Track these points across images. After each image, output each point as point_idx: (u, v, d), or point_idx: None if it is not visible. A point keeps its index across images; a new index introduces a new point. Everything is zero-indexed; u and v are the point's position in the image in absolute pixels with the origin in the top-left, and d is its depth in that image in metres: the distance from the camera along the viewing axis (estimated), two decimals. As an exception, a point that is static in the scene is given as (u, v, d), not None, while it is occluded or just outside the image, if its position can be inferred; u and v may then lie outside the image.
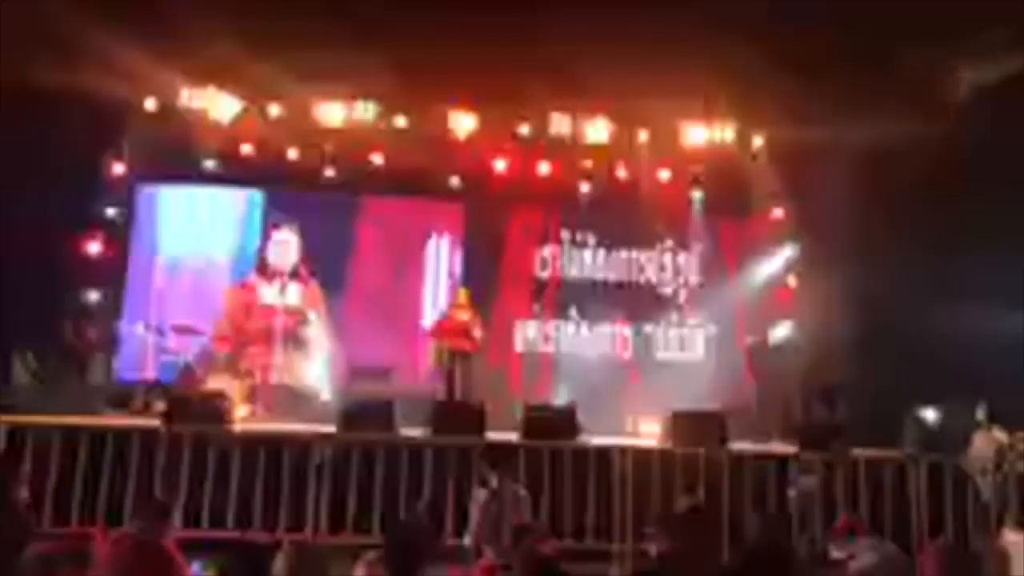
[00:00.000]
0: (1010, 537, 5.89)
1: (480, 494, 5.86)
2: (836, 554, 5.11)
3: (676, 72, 10.38)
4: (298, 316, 11.45)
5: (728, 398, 10.84)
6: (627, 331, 12.11)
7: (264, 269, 11.80)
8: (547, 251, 12.30)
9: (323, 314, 11.68)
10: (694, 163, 11.98)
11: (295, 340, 11.14)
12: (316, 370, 11.31)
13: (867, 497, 6.75)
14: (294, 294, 11.54)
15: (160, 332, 10.18)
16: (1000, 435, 8.72)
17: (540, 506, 6.32)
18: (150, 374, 10.21)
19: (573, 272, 12.29)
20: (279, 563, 3.60)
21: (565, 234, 12.34)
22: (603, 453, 7.03)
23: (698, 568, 4.00)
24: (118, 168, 11.21)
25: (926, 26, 9.59)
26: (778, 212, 11.96)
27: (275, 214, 11.97)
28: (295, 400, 10.24)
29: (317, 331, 11.58)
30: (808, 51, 9.96)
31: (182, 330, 10.24)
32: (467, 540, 5.88)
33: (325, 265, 11.85)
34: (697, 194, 12.15)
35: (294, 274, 11.67)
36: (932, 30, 9.72)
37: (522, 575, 3.48)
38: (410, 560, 3.71)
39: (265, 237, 11.92)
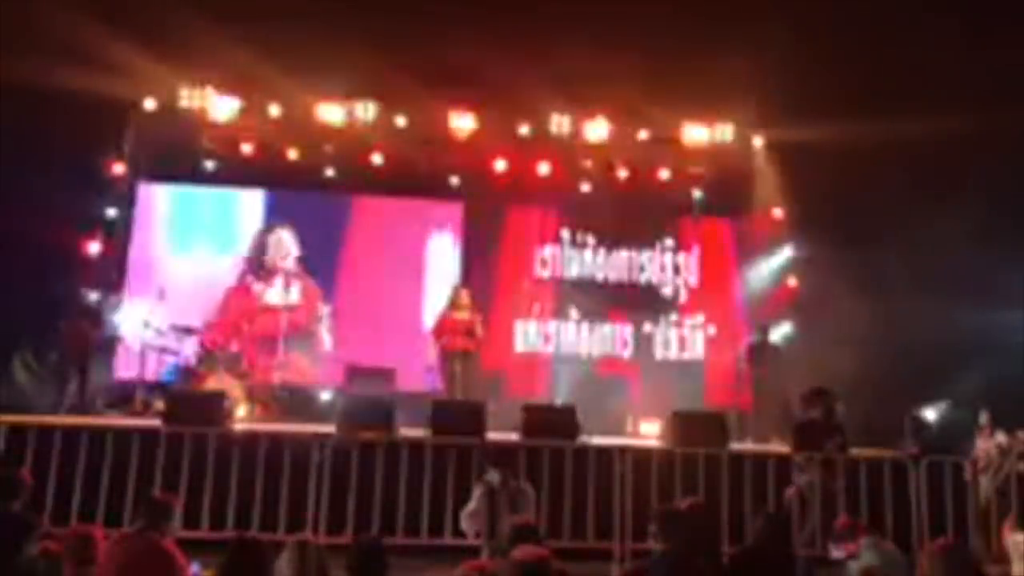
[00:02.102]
0: (1010, 537, 5.88)
1: (478, 490, 5.84)
2: (836, 554, 5.12)
3: (676, 71, 10.40)
4: (299, 315, 11.46)
5: (728, 398, 10.86)
6: (627, 331, 12.10)
7: (264, 269, 11.80)
8: (547, 251, 12.28)
9: (323, 313, 11.69)
10: (694, 163, 11.98)
11: (296, 340, 11.15)
12: (316, 369, 11.33)
13: (867, 497, 6.74)
14: (295, 293, 11.55)
15: (160, 332, 10.17)
16: (1001, 435, 8.74)
17: (540, 506, 6.31)
18: (150, 374, 10.21)
19: (573, 272, 12.28)
20: (283, 562, 3.59)
21: (565, 234, 12.32)
22: (603, 453, 7.02)
23: (697, 566, 4.00)
24: (118, 168, 11.21)
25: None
26: (778, 212, 11.96)
27: (273, 214, 11.98)
28: (295, 400, 10.24)
29: (318, 330, 11.59)
30: (809, 50, 9.98)
31: (182, 330, 10.24)
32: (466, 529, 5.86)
33: (325, 265, 11.86)
34: (697, 194, 12.16)
35: (293, 274, 11.69)
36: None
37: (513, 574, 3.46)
38: (374, 565, 3.71)
39: (263, 237, 11.93)
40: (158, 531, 4.27)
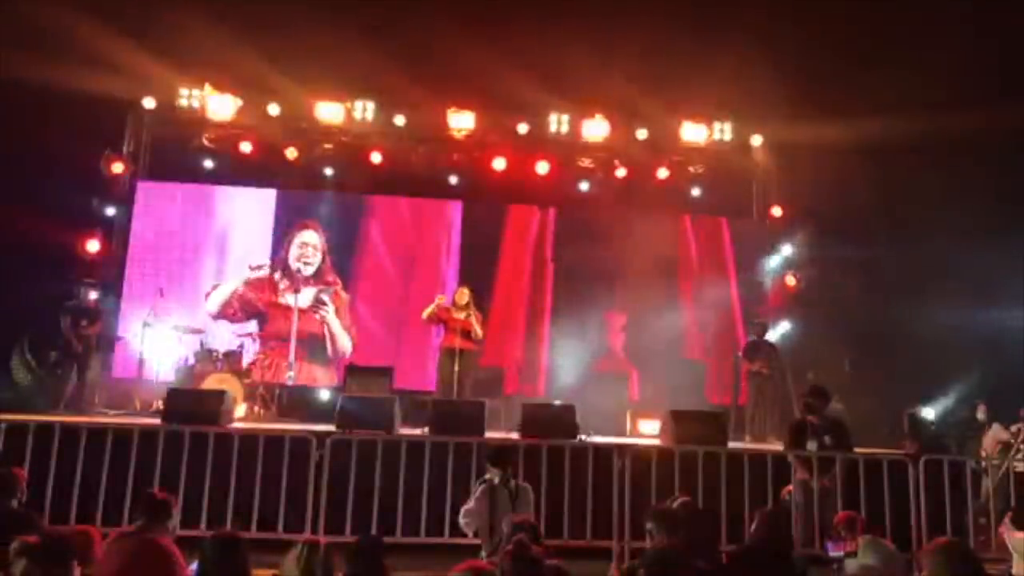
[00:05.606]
0: (1009, 535, 5.88)
1: (477, 489, 5.84)
2: (833, 552, 5.12)
3: (676, 70, 10.42)
4: (311, 320, 11.47)
5: (726, 396, 10.86)
6: (626, 329, 12.08)
7: (286, 267, 11.78)
8: (546, 249, 12.29)
9: (327, 314, 11.68)
10: (693, 162, 11.98)
11: (309, 343, 11.20)
12: (319, 369, 11.34)
13: (867, 496, 6.73)
14: (308, 297, 11.55)
15: (159, 330, 10.17)
16: (1002, 433, 8.75)
17: (539, 505, 6.30)
18: (150, 374, 10.21)
19: (572, 270, 12.27)
20: (290, 562, 3.58)
21: (564, 232, 12.32)
22: (602, 452, 7.02)
23: (695, 564, 4.00)
24: (117, 166, 11.22)
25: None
26: (777, 211, 11.96)
27: (292, 216, 11.98)
28: (295, 399, 10.25)
29: (327, 333, 11.61)
30: (808, 50, 9.99)
31: (182, 329, 10.24)
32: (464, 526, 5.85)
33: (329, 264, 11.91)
34: (696, 193, 12.15)
35: (311, 278, 11.68)
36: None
37: (510, 573, 3.46)
38: (373, 564, 3.71)
39: (290, 235, 11.91)
40: (157, 530, 4.27)
